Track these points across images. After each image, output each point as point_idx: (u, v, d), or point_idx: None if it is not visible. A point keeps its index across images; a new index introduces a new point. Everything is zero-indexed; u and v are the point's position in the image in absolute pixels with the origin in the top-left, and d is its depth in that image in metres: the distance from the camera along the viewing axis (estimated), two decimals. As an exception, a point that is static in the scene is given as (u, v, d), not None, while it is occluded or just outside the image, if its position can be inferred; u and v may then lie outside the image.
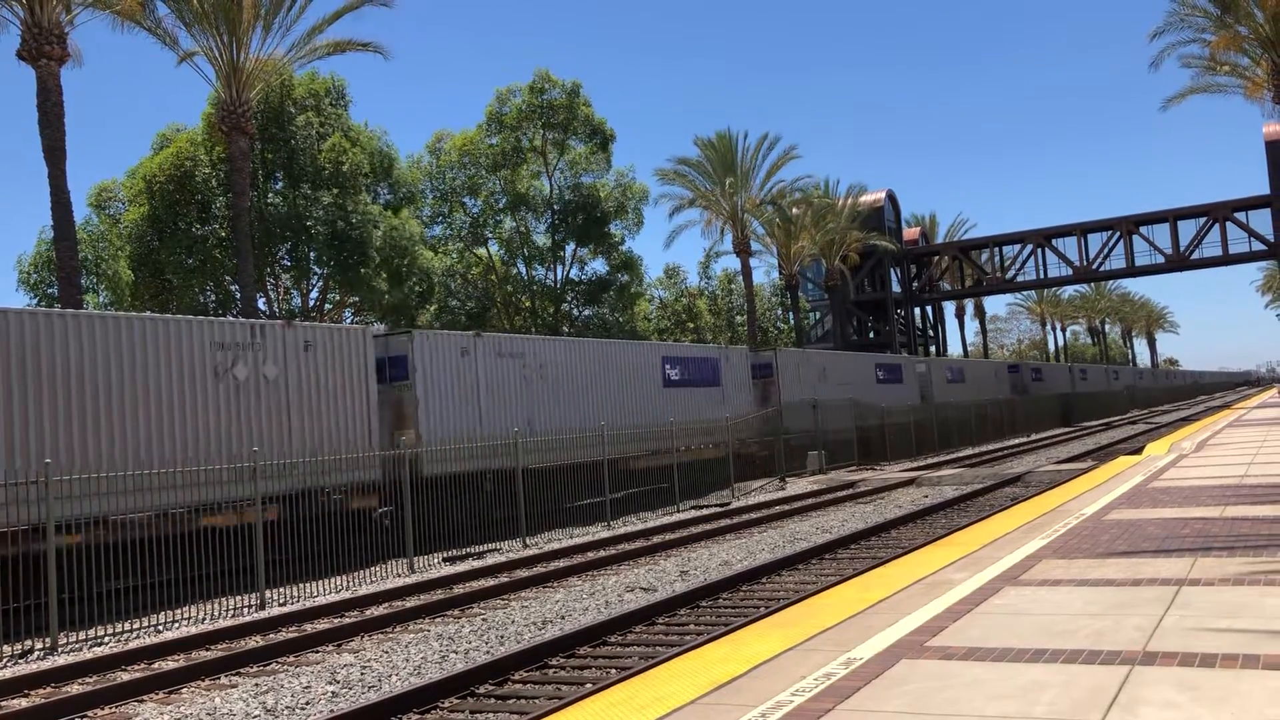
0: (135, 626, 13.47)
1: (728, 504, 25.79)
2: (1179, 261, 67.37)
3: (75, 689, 10.30)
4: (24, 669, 11.26)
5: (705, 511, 24.16)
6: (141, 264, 36.56)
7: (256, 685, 9.99)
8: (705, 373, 31.09)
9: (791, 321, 60.85)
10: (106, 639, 12.98)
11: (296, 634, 12.18)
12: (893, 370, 45.49)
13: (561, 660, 9.99)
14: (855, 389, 39.97)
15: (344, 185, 37.15)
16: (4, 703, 9.99)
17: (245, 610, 14.53)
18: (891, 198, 76.00)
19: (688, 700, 5.38)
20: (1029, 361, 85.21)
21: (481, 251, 51.30)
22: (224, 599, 15.00)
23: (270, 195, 37.58)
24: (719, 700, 5.36)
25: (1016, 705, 4.82)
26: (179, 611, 14.30)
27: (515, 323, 50.19)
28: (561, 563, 17.02)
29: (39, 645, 12.57)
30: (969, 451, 42.24)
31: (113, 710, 9.51)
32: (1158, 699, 4.73)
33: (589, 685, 8.68)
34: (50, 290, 34.50)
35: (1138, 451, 26.43)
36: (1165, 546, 9.13)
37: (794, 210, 54.91)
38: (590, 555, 17.71)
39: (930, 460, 37.59)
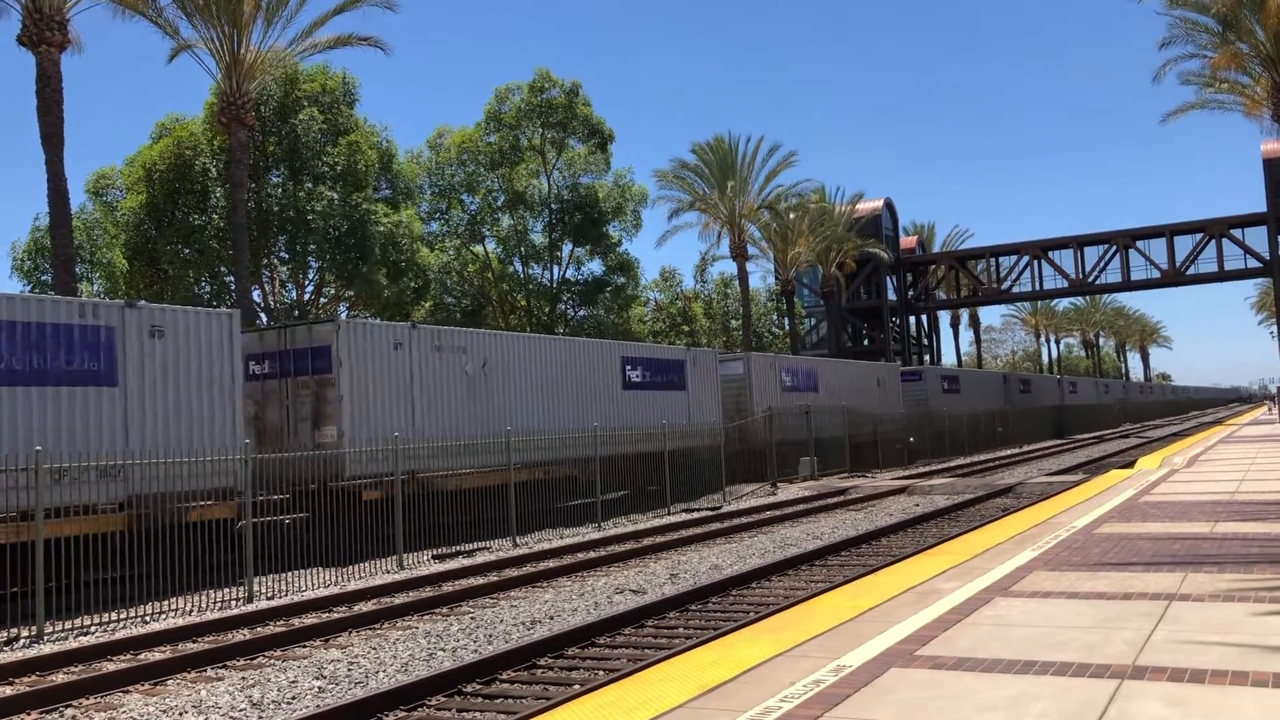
0: (122, 617, 13.42)
1: (719, 508, 25.78)
2: (1174, 277, 67.54)
3: (60, 678, 10.26)
4: (8, 657, 11.20)
5: (696, 515, 24.15)
6: (137, 253, 36.49)
7: (243, 679, 9.95)
8: (669, 376, 29.39)
9: (787, 327, 60.85)
10: (93, 629, 12.94)
11: (284, 628, 12.14)
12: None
13: (550, 661, 9.97)
14: (842, 396, 39.99)
15: (349, 181, 37.12)
16: (-12, 690, 9.95)
17: (233, 603, 14.49)
18: (889, 206, 76.09)
19: (676, 704, 5.37)
20: (1019, 373, 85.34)
21: (478, 249, 51.28)
22: (211, 591, 14.94)
23: (270, 188, 37.50)
24: (708, 705, 5.35)
25: (1005, 716, 4.81)
26: (167, 603, 14.25)
27: (510, 321, 50.17)
28: (551, 563, 17.00)
29: (24, 633, 12.52)
30: (961, 461, 42.28)
31: (98, 700, 9.47)
32: (1147, 713, 4.73)
33: (577, 686, 8.65)
34: (44, 277, 34.42)
35: (1129, 465, 26.47)
36: (1156, 561, 9.14)
37: (791, 216, 54.97)
38: (580, 556, 17.69)
39: (922, 469, 37.62)
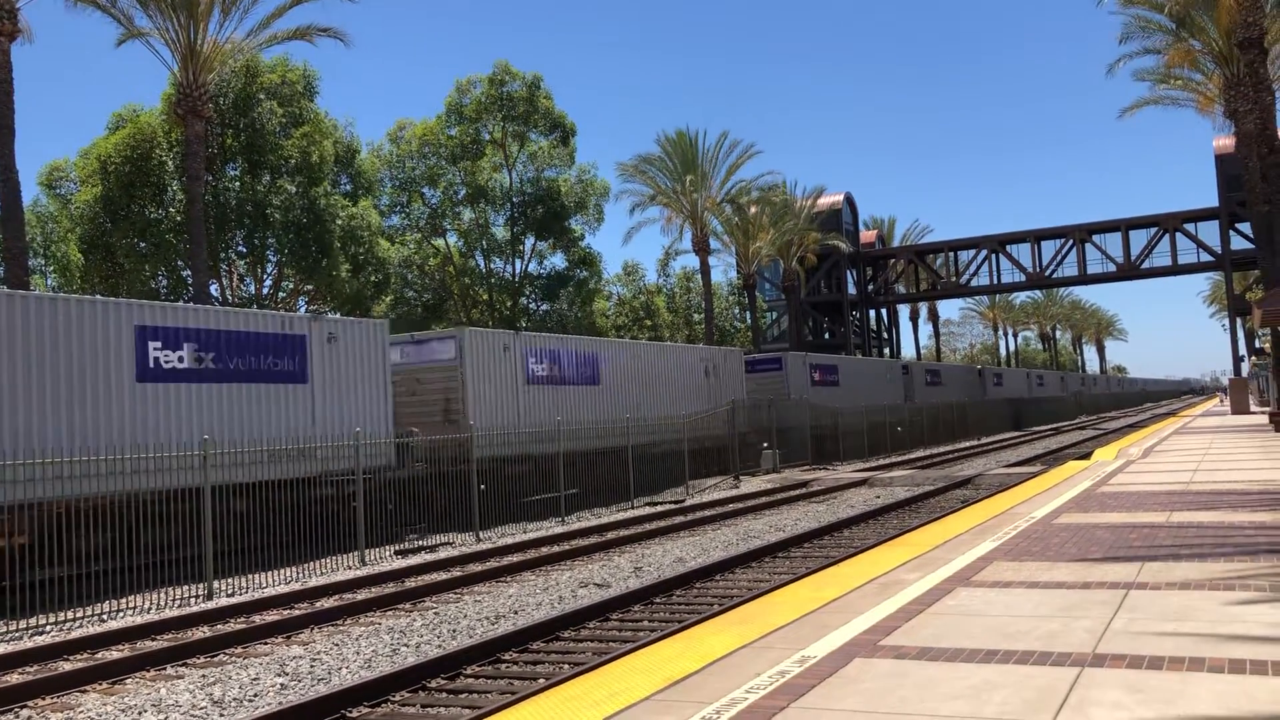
0: (78, 616, 13.23)
1: (682, 501, 25.84)
2: (1129, 270, 68.59)
3: (15, 679, 10.10)
4: (-38, 657, 11.00)
5: (660, 509, 24.19)
6: (92, 246, 35.88)
7: (204, 676, 9.85)
8: (584, 370, 28.18)
9: (749, 321, 61.08)
10: (48, 628, 12.74)
11: (245, 625, 12.03)
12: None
13: (515, 655, 9.95)
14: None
15: (309, 174, 36.74)
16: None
17: (192, 600, 14.33)
18: (850, 200, 76.56)
19: (642, 696, 5.38)
20: (993, 367, 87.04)
21: (440, 243, 50.97)
22: (170, 589, 14.77)
23: (227, 181, 37.05)
24: (673, 697, 5.36)
25: (968, 705, 4.86)
26: (124, 601, 14.07)
27: (473, 315, 49.92)
28: (515, 557, 16.96)
29: (-22, 633, 12.31)
30: (921, 453, 42.65)
31: (54, 700, 9.33)
32: (1106, 700, 4.80)
33: (542, 680, 8.65)
34: (-4, 271, 33.80)
35: (1086, 457, 26.84)
36: (1114, 551, 9.28)
37: (753, 210, 55.16)
38: (544, 550, 17.67)
39: (882, 461, 37.92)
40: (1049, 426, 66.19)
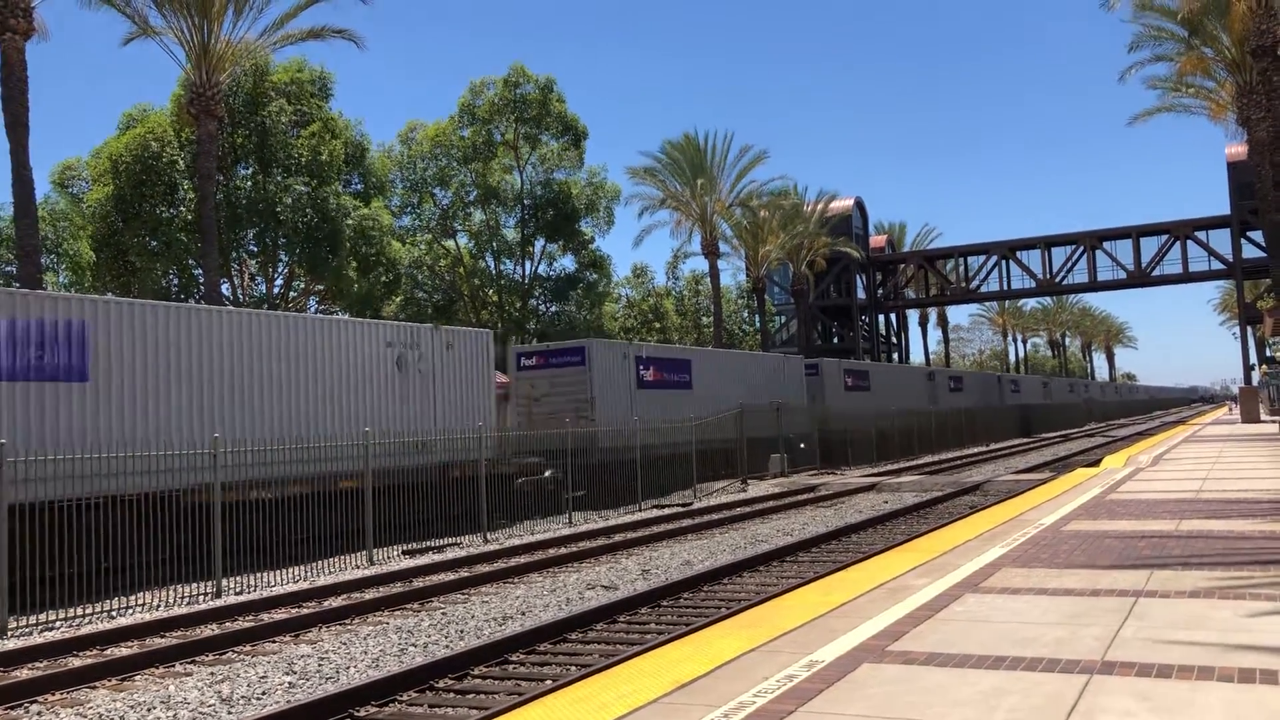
0: (88, 612, 13.28)
1: (689, 504, 25.83)
2: (1140, 278, 68.36)
3: (25, 674, 10.14)
4: (-27, 652, 11.06)
5: (667, 511, 24.19)
6: (104, 245, 36.06)
7: (212, 674, 9.88)
8: (681, 375, 31.12)
9: (757, 324, 61.07)
10: (58, 624, 12.80)
11: (253, 623, 12.06)
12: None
13: (522, 656, 9.96)
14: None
15: (319, 174, 36.85)
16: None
17: (201, 598, 14.38)
18: (860, 205, 76.51)
19: (650, 699, 5.38)
20: (1011, 374, 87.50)
21: (450, 244, 51.07)
22: (180, 586, 14.81)
23: (239, 180, 37.18)
24: (681, 700, 5.36)
25: (977, 711, 4.86)
26: (134, 598, 14.12)
27: (481, 316, 50.00)
28: (522, 559, 16.97)
29: (-12, 628, 12.37)
30: (929, 458, 42.58)
31: (64, 695, 9.37)
32: (1115, 708, 4.79)
33: (550, 682, 8.66)
34: (9, 269, 33.97)
35: (1095, 464, 26.76)
36: (1123, 559, 9.25)
37: (763, 214, 55.15)
38: (551, 552, 17.68)
39: (891, 466, 37.86)
40: (1058, 433, 66.05)
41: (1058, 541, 10.64)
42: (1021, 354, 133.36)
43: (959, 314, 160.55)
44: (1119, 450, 33.17)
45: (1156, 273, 68.01)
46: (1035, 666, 5.63)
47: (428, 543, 19.18)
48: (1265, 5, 32.01)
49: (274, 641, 11.33)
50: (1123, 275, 68.76)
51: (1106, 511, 13.30)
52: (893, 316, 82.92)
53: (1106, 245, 69.09)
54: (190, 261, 36.39)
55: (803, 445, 36.83)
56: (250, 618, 12.78)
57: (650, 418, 27.72)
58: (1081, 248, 69.64)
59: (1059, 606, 7.28)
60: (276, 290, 40.17)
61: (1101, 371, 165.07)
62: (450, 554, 17.98)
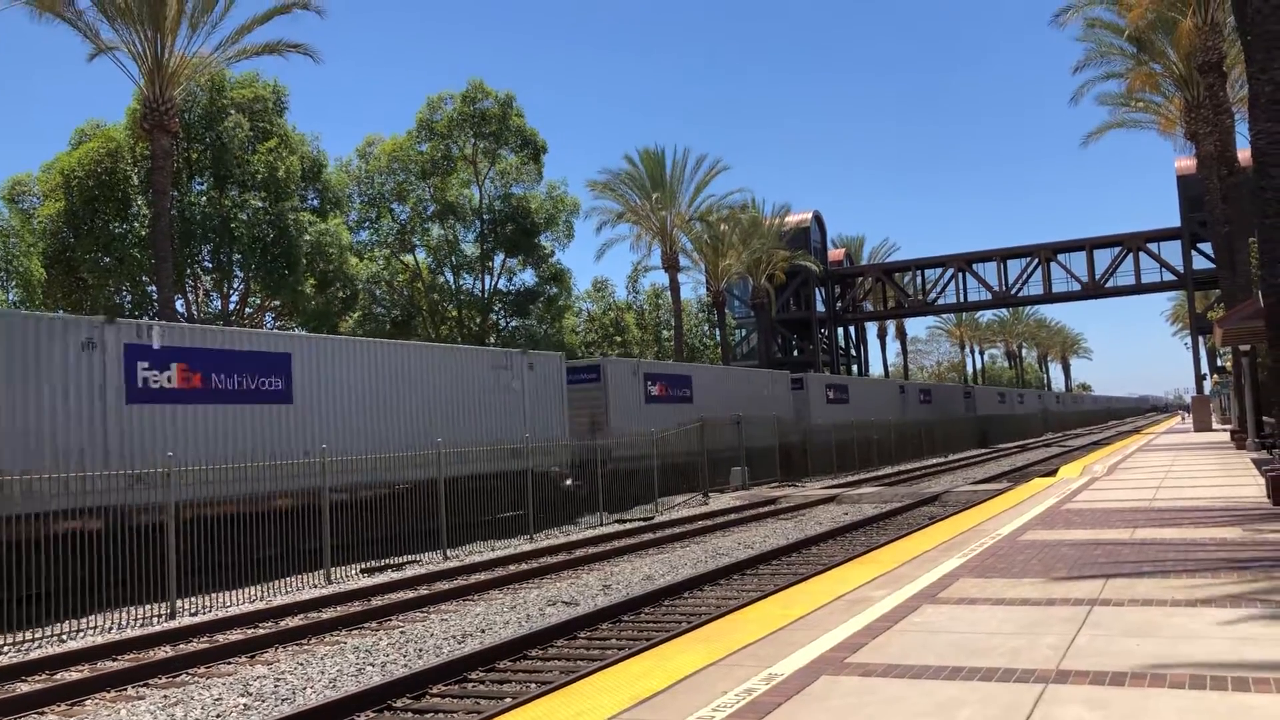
0: (37, 636, 13.02)
1: (651, 518, 25.81)
2: (1094, 289, 69.41)
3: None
4: (-83, 679, 10.80)
5: (629, 525, 24.14)
6: (55, 261, 35.51)
7: (165, 697, 9.71)
8: (682, 390, 33.25)
9: (718, 338, 61.25)
10: (5, 649, 12.53)
11: (208, 644, 11.88)
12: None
13: (481, 674, 9.88)
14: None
15: (276, 189, 36.53)
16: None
17: (155, 620, 14.14)
18: (818, 219, 77.08)
19: (610, 715, 5.36)
20: (979, 385, 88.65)
21: (408, 259, 50.80)
22: (132, 608, 14.56)
23: (194, 196, 36.78)
24: (641, 715, 5.35)
25: (934, 722, 4.88)
26: (85, 620, 13.86)
27: (441, 332, 49.75)
28: (482, 575, 16.86)
29: (-66, 654, 12.08)
30: (888, 470, 42.85)
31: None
32: (1070, 716, 4.83)
33: (509, 700, 8.59)
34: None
35: (1052, 474, 27.06)
36: (1078, 568, 9.35)
37: (722, 227, 55.39)
38: (512, 568, 17.58)
39: (850, 478, 38.06)
40: (1015, 443, 66.74)
41: (1014, 551, 10.74)
42: (979, 365, 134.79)
43: (917, 326, 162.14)
44: (1075, 460, 33.57)
45: (1110, 284, 69.08)
46: (991, 676, 5.66)
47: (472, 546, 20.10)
48: (1211, 22, 32.69)
49: (229, 663, 11.15)
50: (1077, 287, 69.77)
51: (1063, 521, 13.44)
52: (851, 329, 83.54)
53: (1061, 257, 70.08)
54: (144, 278, 35.90)
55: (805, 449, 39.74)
56: (205, 639, 12.57)
57: (660, 430, 30.55)
58: (1037, 260, 70.58)
59: (1015, 616, 7.34)
60: (232, 306, 39.74)
61: (1058, 382, 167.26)
62: (410, 571, 17.82)
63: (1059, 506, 15.55)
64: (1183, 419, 75.77)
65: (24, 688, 10.37)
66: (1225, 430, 39.59)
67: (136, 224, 35.11)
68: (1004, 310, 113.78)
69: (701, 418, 33.43)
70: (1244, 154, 32.52)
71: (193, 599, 15.22)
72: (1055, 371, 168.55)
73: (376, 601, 14.70)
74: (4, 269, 35.66)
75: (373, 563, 18.84)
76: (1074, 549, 10.56)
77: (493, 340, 48.97)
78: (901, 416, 53.70)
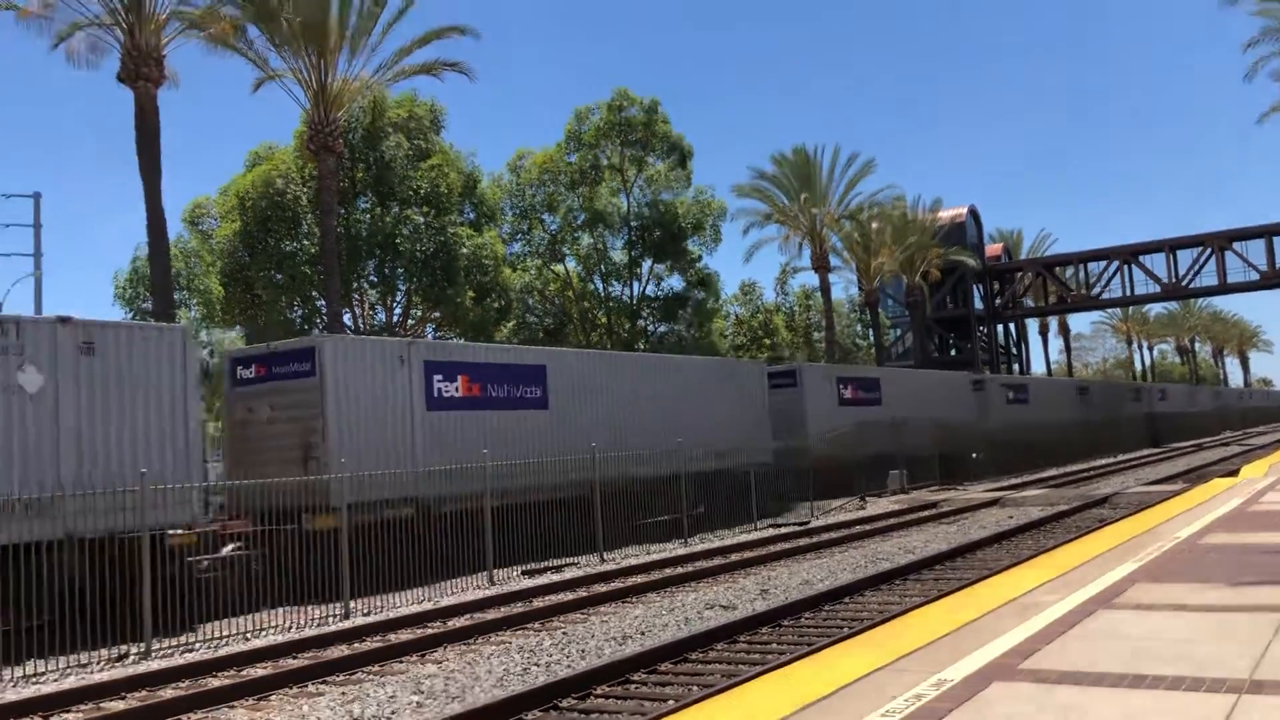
0: (225, 634, 13.78)
1: (807, 523, 25.56)
2: (1274, 278, 65.25)
3: (169, 693, 10.56)
4: (119, 673, 11.58)
5: (783, 530, 23.97)
6: (232, 279, 37.54)
7: (343, 694, 10.14)
8: (872, 393, 36.09)
9: (871, 338, 60.19)
10: (198, 645, 13.30)
11: (381, 644, 12.35)
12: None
13: (644, 676, 9.97)
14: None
15: (436, 205, 37.80)
16: (103, 704, 10.29)
17: (331, 620, 14.77)
18: (974, 213, 74.90)
19: (777, 718, 5.33)
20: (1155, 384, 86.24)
21: (559, 268, 51.69)
22: (310, 608, 15.25)
23: (358, 213, 38.34)
24: (809, 718, 5.30)
25: (1118, 732, 4.69)
26: (265, 619, 14.59)
27: (591, 339, 50.43)
28: (639, 579, 17.01)
29: (134, 650, 12.92)
30: (1054, 472, 41.32)
31: (205, 714, 9.74)
32: (1268, 729, 4.57)
33: (672, 702, 8.65)
34: (145, 305, 35.59)
35: (1233, 474, 25.61)
36: (1269, 574, 8.83)
37: (873, 225, 54.40)
38: (667, 572, 17.68)
39: (1014, 480, 36.86)
40: (1190, 442, 63.44)
41: (1196, 555, 10.22)
42: (1149, 361, 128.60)
43: (1080, 322, 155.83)
44: (1259, 459, 31.69)
45: (1293, 273, 64.84)
46: (1178, 686, 5.40)
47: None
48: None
49: (401, 661, 11.55)
50: (1255, 276, 65.77)
51: (1248, 524, 12.71)
52: (1011, 326, 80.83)
53: (1237, 246, 66.16)
54: (314, 293, 37.60)
55: (976, 455, 40.31)
56: (378, 638, 13.05)
57: (851, 430, 33.56)
58: (1209, 249, 66.84)
59: (1200, 623, 6.99)
60: (395, 319, 41.23)
61: (1235, 377, 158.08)
62: (568, 574, 18.12)
63: (1244, 508, 14.70)
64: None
65: (215, 682, 10.98)
66: None
67: (306, 242, 36.81)
68: (1174, 303, 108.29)
69: (892, 418, 35.70)
70: None
71: (364, 600, 15.82)
72: (1232, 366, 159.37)
73: (538, 603, 14.94)
74: (186, 287, 37.90)
75: (532, 565, 19.22)
76: (1263, 554, 9.97)
77: (642, 345, 49.37)
78: (1084, 416, 55.03)
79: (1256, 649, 6.08)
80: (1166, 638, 6.60)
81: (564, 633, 12.68)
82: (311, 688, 10.58)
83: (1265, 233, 65.34)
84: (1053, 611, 7.69)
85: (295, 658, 12.17)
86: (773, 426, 29.81)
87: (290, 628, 14.28)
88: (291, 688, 10.57)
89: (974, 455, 39.57)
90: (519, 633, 12.95)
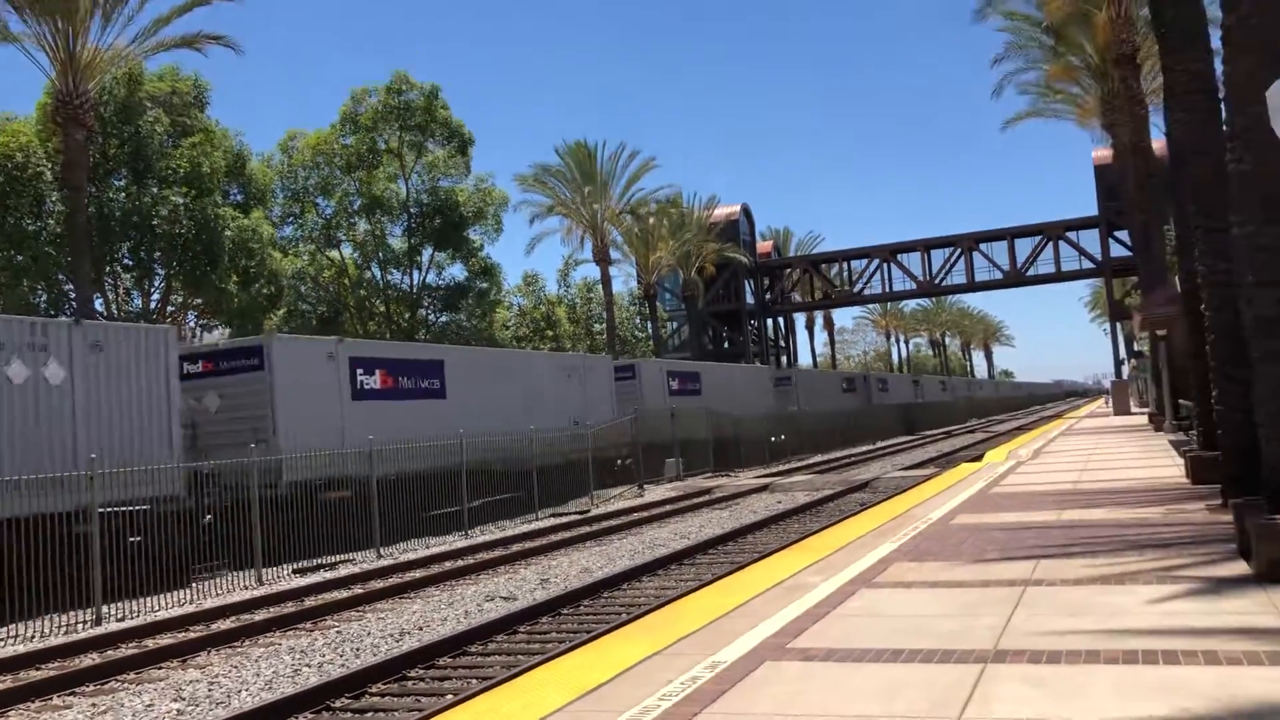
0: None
1: (587, 511, 25.79)
2: (1015, 278, 70.81)
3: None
4: None
5: (565, 519, 24.10)
6: (-36, 260, 34.30)
7: (94, 705, 9.47)
8: (693, 385, 38.61)
9: (650, 330, 61.37)
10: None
11: (137, 650, 11.61)
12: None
13: (421, 672, 9.79)
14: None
15: (198, 185, 35.71)
16: None
17: (80, 626, 13.77)
18: (746, 211, 77.52)
19: (555, 708, 5.34)
20: (933, 375, 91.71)
21: (334, 254, 50.04)
22: (55, 615, 14.16)
23: (112, 192, 35.80)
24: (586, 707, 5.34)
25: (879, 704, 4.95)
26: (3, 629, 13.45)
27: (369, 328, 49.10)
28: (418, 573, 16.70)
29: None
30: (819, 458, 43.31)
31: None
32: (1010, 694, 4.93)
33: (450, 696, 8.53)
34: None
35: (978, 459, 27.55)
36: (1010, 550, 9.54)
37: (652, 221, 55.49)
38: (448, 565, 17.45)
39: (782, 467, 38.41)
40: (940, 430, 67.89)
41: (947, 535, 10.93)
42: (905, 354, 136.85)
43: (844, 316, 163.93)
44: (1000, 445, 34.26)
45: (1031, 273, 70.53)
46: (931, 658, 5.75)
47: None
48: (1125, 15, 33.50)
49: (160, 668, 10.90)
50: (999, 276, 71.13)
51: (992, 505, 13.71)
52: (780, 320, 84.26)
53: (983, 247, 71.37)
54: (60, 276, 34.89)
55: (775, 439, 43.61)
56: (134, 644, 12.28)
57: (680, 417, 35.38)
58: (959, 250, 71.78)
59: (951, 598, 7.47)
60: (154, 305, 38.80)
61: (981, 370, 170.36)
62: (343, 570, 17.59)
63: (987, 490, 15.85)
64: (1104, 403, 77.79)
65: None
66: (1144, 414, 40.67)
67: (51, 221, 34.08)
68: (928, 300, 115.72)
69: (707, 408, 38.27)
70: (1158, 144, 33.46)
71: (118, 604, 14.85)
72: (978, 359, 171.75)
73: (310, 602, 14.45)
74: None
75: (304, 563, 18.54)
76: (1004, 532, 10.77)
77: (423, 335, 48.51)
78: (867, 405, 60.49)
79: (1000, 620, 6.56)
80: (922, 613, 7.02)
81: (338, 632, 12.29)
82: (58, 700, 9.83)
83: (1008, 235, 70.72)
84: (819, 592, 8.04)
85: (39, 669, 11.27)
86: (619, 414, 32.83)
87: (33, 636, 13.21)
88: (34, 700, 9.79)
89: (773, 439, 43.09)
90: (290, 633, 12.46)
